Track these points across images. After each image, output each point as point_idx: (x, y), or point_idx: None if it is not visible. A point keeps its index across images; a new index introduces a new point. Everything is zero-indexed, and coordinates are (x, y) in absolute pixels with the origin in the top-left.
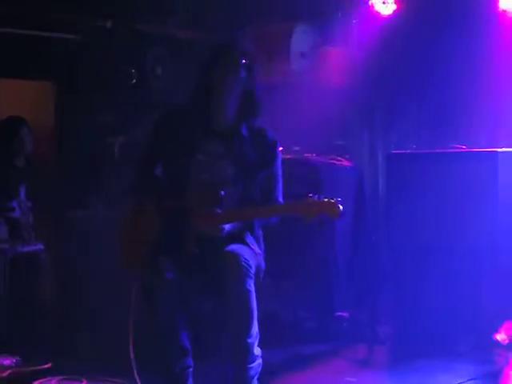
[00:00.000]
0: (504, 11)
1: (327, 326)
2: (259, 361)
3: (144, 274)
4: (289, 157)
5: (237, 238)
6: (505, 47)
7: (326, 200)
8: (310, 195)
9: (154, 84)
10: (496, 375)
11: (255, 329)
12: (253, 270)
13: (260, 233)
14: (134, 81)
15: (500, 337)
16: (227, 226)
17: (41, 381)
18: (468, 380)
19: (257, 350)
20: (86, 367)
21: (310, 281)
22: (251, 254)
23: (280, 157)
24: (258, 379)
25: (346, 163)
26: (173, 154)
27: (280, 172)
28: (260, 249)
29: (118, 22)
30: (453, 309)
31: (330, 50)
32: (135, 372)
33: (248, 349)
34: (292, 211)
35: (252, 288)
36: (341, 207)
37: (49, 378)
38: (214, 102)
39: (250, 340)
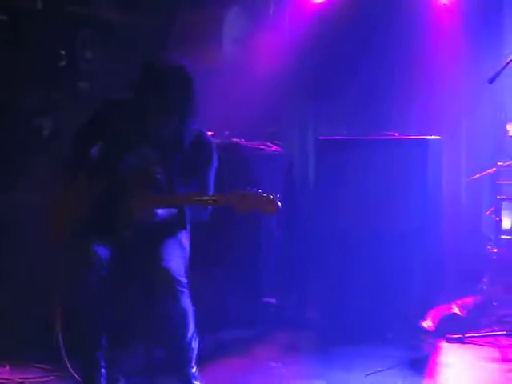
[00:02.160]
0: (436, 1)
1: (254, 312)
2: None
3: (71, 251)
4: (217, 141)
5: (168, 228)
6: (439, 34)
7: (264, 195)
8: (248, 188)
9: (83, 67)
10: (423, 362)
11: (192, 327)
12: (185, 280)
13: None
14: (63, 63)
15: (426, 324)
16: (160, 212)
17: None
18: (394, 366)
19: (194, 344)
20: (10, 352)
21: (238, 267)
22: (181, 254)
23: (215, 161)
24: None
25: (275, 149)
26: (107, 147)
27: (213, 176)
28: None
29: (48, 2)
30: (380, 295)
31: (261, 35)
32: (64, 355)
33: (187, 348)
34: (227, 202)
35: (187, 302)
36: (279, 204)
37: None
38: (150, 116)
39: (187, 340)
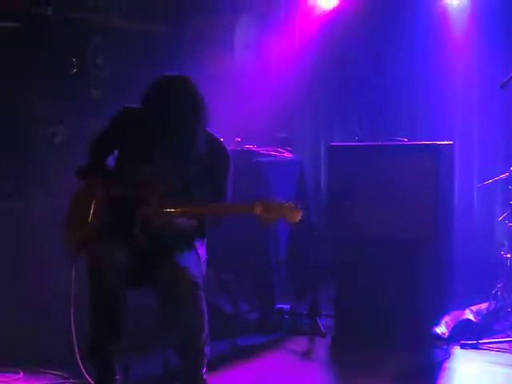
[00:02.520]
0: (446, 6)
1: (268, 319)
2: (207, 357)
3: (91, 251)
4: (230, 148)
5: (185, 238)
6: (451, 39)
7: (287, 204)
8: (269, 197)
9: (94, 74)
10: (437, 368)
11: (206, 332)
12: (201, 283)
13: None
14: (75, 70)
15: (440, 330)
16: (178, 220)
17: None
18: (408, 372)
19: (206, 349)
20: (24, 358)
21: (252, 273)
22: (197, 263)
23: (231, 167)
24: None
25: (287, 155)
26: (124, 154)
27: (230, 183)
28: (204, 249)
29: (59, 9)
30: (394, 302)
31: (272, 41)
32: (79, 361)
33: (200, 352)
34: (251, 211)
35: (203, 306)
36: (301, 213)
37: None
38: (160, 127)
39: (201, 343)
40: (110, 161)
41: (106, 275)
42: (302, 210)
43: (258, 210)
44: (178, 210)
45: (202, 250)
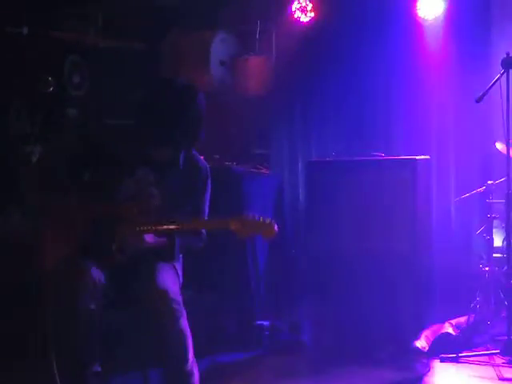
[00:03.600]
0: (420, 20)
1: (248, 335)
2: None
3: (65, 273)
4: (209, 165)
5: (162, 254)
6: (426, 54)
7: (262, 220)
8: (246, 213)
9: (71, 92)
10: (417, 382)
11: (191, 352)
12: (181, 302)
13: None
14: (51, 89)
15: (420, 344)
16: (150, 239)
17: None
18: None
19: (195, 368)
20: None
21: (231, 290)
22: (176, 282)
23: (209, 185)
24: None
25: (265, 171)
26: (102, 170)
27: (207, 200)
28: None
29: (34, 28)
30: (372, 316)
31: (249, 58)
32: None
33: (187, 375)
34: (224, 227)
35: (185, 324)
36: (276, 228)
37: None
38: (147, 141)
39: (188, 367)
40: (87, 176)
41: (79, 293)
42: (276, 225)
43: (234, 225)
44: (155, 227)
45: (179, 266)
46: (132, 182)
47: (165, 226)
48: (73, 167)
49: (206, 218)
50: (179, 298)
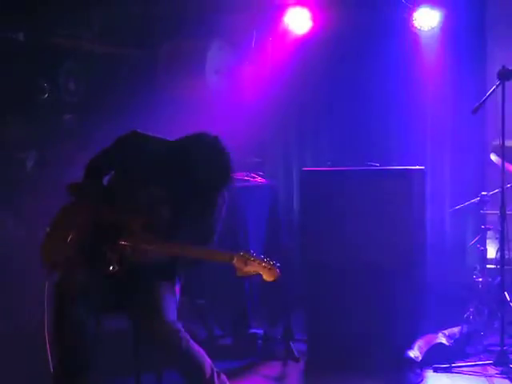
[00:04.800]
0: (416, 31)
1: (241, 343)
2: None
3: (62, 275)
4: None
5: (162, 273)
6: (422, 65)
7: (266, 263)
8: (251, 251)
9: (66, 98)
10: None
11: (208, 364)
12: (176, 321)
13: None
14: (47, 95)
15: (413, 354)
16: (151, 255)
17: None
18: None
19: (218, 380)
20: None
21: (225, 298)
22: (174, 302)
23: (222, 204)
24: None
25: (260, 180)
26: (121, 175)
27: (218, 222)
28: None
29: (30, 34)
30: (366, 326)
31: (244, 67)
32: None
33: None
34: (227, 260)
35: (193, 345)
36: (279, 273)
37: None
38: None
39: (208, 378)
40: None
41: (74, 301)
42: (279, 270)
43: (237, 262)
44: (157, 245)
45: (177, 284)
46: (144, 195)
47: (167, 248)
48: (95, 166)
49: (216, 237)
50: (175, 318)
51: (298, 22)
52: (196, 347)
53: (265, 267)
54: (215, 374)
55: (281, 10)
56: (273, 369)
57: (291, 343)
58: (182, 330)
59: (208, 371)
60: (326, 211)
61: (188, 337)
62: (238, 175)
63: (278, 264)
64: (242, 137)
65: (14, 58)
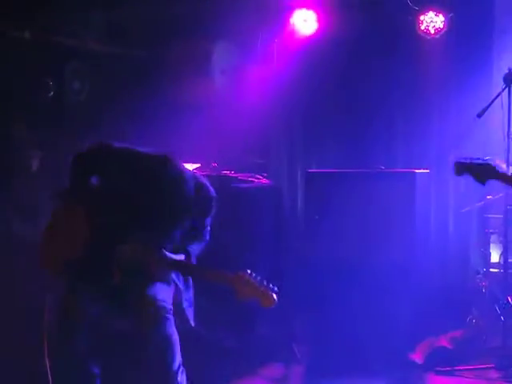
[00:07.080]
0: (423, 33)
1: (246, 345)
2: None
3: (64, 300)
4: (206, 173)
5: (157, 277)
6: (428, 69)
7: (264, 289)
8: (251, 273)
9: (71, 98)
10: None
11: (179, 358)
12: (170, 307)
13: None
14: (52, 94)
15: (415, 356)
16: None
17: None
18: None
19: (180, 377)
20: None
21: (229, 300)
22: (167, 288)
23: (212, 212)
24: None
25: (264, 181)
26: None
27: (208, 225)
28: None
29: (35, 33)
30: (369, 328)
31: (250, 68)
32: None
33: (173, 379)
34: (228, 283)
35: (172, 330)
36: (275, 300)
37: None
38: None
39: (174, 370)
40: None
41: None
42: (276, 297)
43: (237, 285)
44: (156, 258)
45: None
46: (128, 249)
47: (167, 263)
48: (82, 171)
49: (208, 234)
50: (167, 306)
51: (304, 23)
52: (173, 336)
53: (262, 293)
54: (181, 368)
55: (287, 11)
56: (275, 371)
57: (294, 345)
58: (169, 308)
59: (176, 363)
60: (329, 212)
61: (171, 321)
62: (243, 176)
63: (276, 289)
64: (247, 138)
65: (20, 56)
